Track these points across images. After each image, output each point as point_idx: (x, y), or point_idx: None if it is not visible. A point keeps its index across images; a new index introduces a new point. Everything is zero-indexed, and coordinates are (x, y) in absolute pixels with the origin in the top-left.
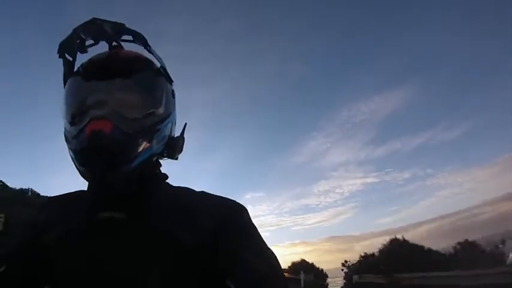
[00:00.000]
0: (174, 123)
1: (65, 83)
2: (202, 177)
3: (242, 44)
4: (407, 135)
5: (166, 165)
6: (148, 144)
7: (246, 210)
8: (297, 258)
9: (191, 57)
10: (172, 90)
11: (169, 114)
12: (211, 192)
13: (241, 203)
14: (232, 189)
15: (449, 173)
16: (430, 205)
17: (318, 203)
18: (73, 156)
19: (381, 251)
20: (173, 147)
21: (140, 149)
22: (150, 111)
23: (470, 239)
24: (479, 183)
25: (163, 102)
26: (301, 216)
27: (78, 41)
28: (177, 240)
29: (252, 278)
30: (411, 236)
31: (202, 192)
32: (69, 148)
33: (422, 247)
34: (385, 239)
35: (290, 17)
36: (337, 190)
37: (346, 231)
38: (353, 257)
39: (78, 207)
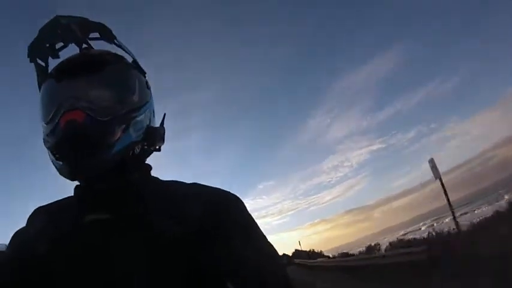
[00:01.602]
0: (152, 114)
1: (39, 89)
2: (212, 176)
3: (227, 37)
4: (405, 95)
5: (175, 166)
6: (124, 133)
7: (241, 201)
8: (318, 237)
9: (182, 62)
10: (146, 82)
11: (144, 104)
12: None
13: (255, 191)
14: (244, 182)
15: (455, 123)
16: (441, 159)
17: (330, 179)
18: (51, 154)
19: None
20: (153, 137)
21: (117, 136)
22: (124, 100)
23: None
24: (486, 126)
25: (137, 91)
26: (316, 196)
27: (47, 45)
28: (167, 236)
29: (253, 278)
30: (426, 193)
31: (194, 183)
32: (47, 148)
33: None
34: (403, 201)
35: (269, 2)
36: (346, 163)
37: (362, 201)
38: (373, 226)
39: (66, 212)
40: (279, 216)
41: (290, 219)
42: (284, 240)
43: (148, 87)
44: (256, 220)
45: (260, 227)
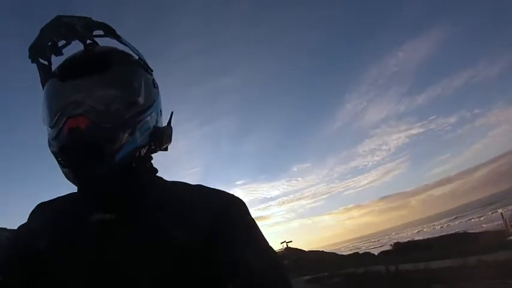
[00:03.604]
0: (159, 113)
1: (43, 88)
2: (246, 158)
3: (259, 23)
4: (446, 78)
5: (210, 149)
6: (130, 137)
7: (244, 204)
8: (353, 223)
9: (213, 47)
10: (153, 80)
11: (150, 105)
12: (211, 184)
13: (290, 173)
14: (278, 164)
15: (500, 109)
16: (484, 147)
17: (366, 163)
18: (55, 158)
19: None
20: (160, 138)
21: (122, 142)
22: (129, 103)
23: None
24: None
25: (143, 92)
26: (351, 180)
27: (49, 43)
28: (170, 239)
29: (254, 282)
30: (467, 183)
31: (198, 185)
32: (51, 152)
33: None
34: (442, 190)
35: None
36: (383, 147)
37: (398, 188)
38: (408, 214)
39: (69, 211)
40: (313, 199)
41: (324, 203)
42: (320, 225)
43: (155, 86)
44: (293, 202)
45: (262, 231)
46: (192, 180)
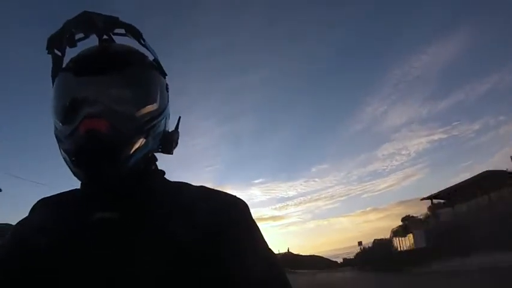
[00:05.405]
0: (168, 117)
1: (53, 80)
2: (265, 158)
3: (280, 21)
4: (471, 83)
5: (227, 148)
6: (144, 141)
7: (246, 205)
8: (369, 227)
9: (233, 45)
10: (166, 84)
11: (164, 109)
12: (214, 186)
13: (308, 173)
14: (297, 164)
15: None
16: (508, 155)
17: (385, 167)
18: (66, 156)
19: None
20: (169, 143)
21: (137, 146)
22: (145, 107)
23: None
24: None
25: (158, 97)
26: (370, 183)
27: (67, 35)
28: (174, 240)
29: (254, 285)
30: None
31: (202, 187)
32: (61, 148)
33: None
34: None
35: None
36: (403, 152)
37: (417, 193)
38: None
39: (72, 208)
40: (331, 201)
41: (341, 205)
42: (336, 227)
43: (167, 90)
44: (310, 203)
45: (262, 233)
46: (211, 177)
